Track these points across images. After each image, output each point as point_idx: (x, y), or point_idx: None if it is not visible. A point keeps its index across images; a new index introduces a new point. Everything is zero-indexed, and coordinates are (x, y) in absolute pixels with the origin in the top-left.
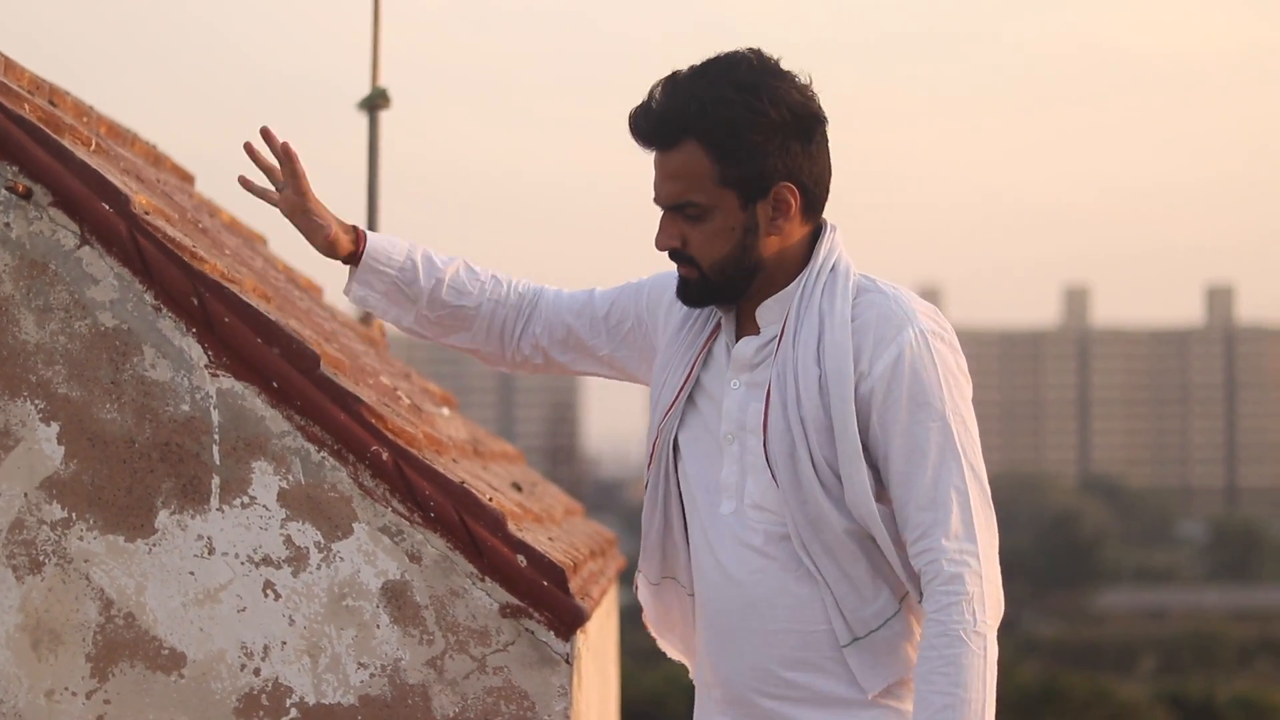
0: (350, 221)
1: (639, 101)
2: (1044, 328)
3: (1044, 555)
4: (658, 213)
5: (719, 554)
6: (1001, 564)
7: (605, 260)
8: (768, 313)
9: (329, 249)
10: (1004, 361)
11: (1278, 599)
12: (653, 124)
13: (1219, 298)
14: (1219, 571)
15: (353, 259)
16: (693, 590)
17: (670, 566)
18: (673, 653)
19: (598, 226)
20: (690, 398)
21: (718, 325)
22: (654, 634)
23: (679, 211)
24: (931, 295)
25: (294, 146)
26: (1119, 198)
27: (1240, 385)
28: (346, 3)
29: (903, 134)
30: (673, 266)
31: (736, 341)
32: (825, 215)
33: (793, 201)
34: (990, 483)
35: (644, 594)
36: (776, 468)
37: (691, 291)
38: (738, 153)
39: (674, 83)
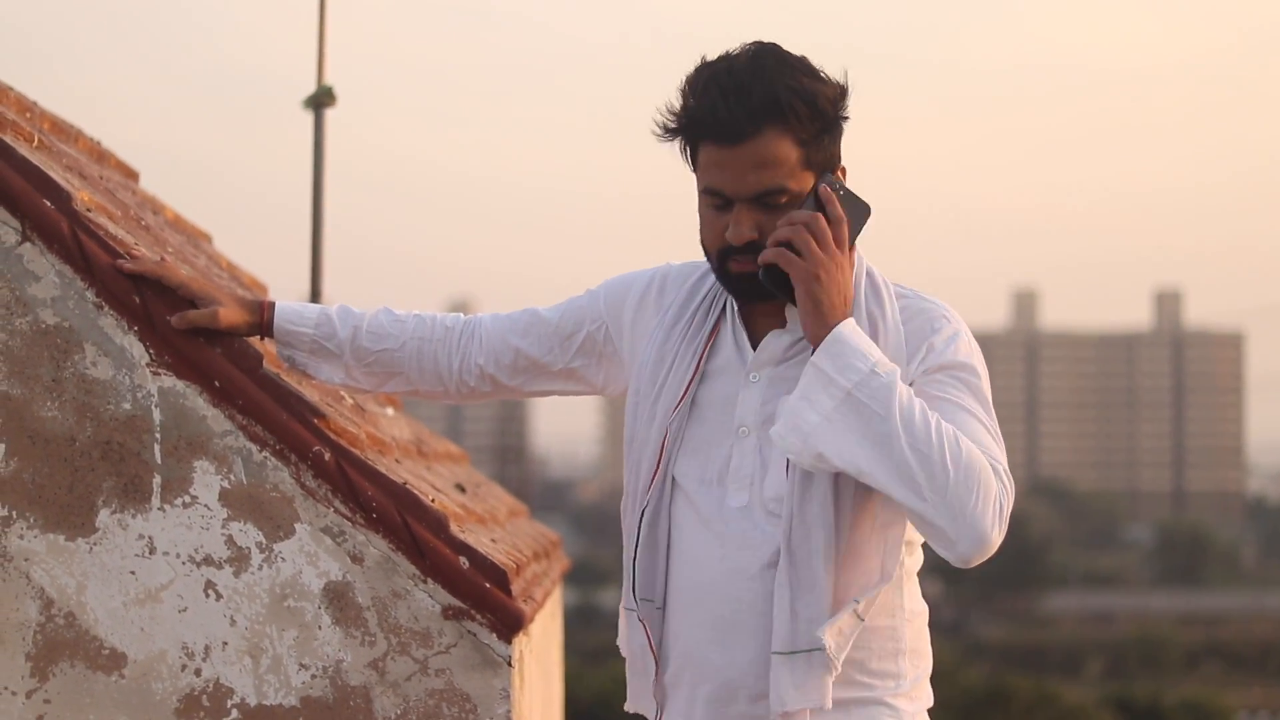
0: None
1: (692, 98)
2: (993, 330)
3: (991, 559)
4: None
5: (728, 547)
6: (949, 568)
7: (552, 258)
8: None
9: (227, 327)
10: None
11: (1224, 603)
12: (738, 115)
13: (1167, 302)
14: (1166, 575)
15: (263, 329)
16: (649, 595)
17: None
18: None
19: (546, 225)
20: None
21: (717, 321)
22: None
23: (758, 202)
24: None
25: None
26: (1069, 203)
27: (1188, 389)
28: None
29: (857, 142)
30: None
31: (747, 334)
32: None
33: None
34: None
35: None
36: (794, 462)
37: (760, 285)
38: (820, 135)
39: (740, 75)
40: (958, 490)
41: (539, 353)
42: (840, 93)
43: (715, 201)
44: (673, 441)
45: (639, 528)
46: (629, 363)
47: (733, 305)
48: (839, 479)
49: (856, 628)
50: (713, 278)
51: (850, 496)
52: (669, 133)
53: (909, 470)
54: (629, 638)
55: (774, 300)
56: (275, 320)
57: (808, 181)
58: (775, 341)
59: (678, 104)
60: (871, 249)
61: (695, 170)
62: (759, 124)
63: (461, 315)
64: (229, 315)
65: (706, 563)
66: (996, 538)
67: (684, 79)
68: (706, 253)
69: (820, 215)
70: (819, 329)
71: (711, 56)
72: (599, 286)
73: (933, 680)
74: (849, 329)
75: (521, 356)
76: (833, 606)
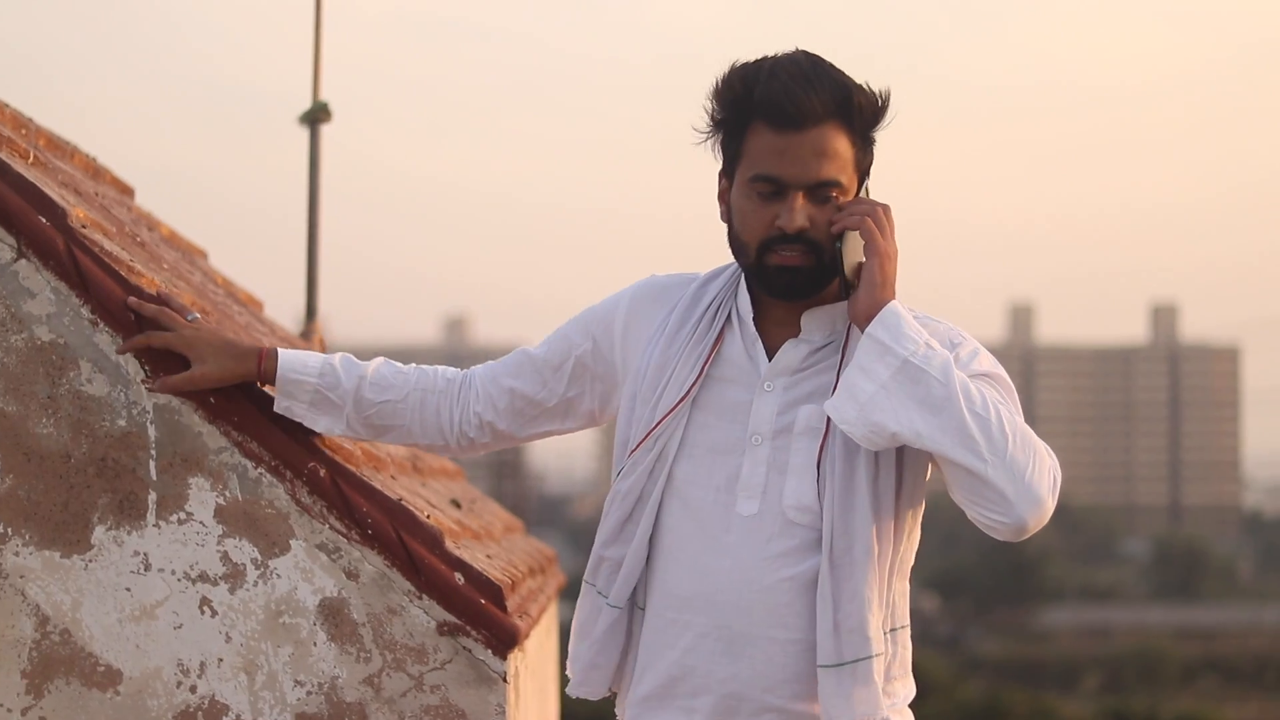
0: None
1: (751, 85)
2: (989, 345)
3: (988, 573)
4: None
5: (736, 557)
6: (946, 582)
7: (549, 274)
8: (815, 320)
9: (209, 386)
10: None
11: (1221, 617)
12: (811, 100)
13: (1163, 316)
14: (1163, 589)
15: (260, 377)
16: (615, 601)
17: (611, 579)
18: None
19: (542, 240)
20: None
21: (722, 329)
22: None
23: (813, 192)
24: None
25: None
26: (1065, 217)
27: (1184, 403)
28: (290, 14)
29: None
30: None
31: (761, 343)
32: None
33: None
34: (934, 500)
35: (604, 621)
36: (830, 471)
37: (800, 279)
38: (868, 142)
39: (805, 67)
40: (1015, 454)
41: (533, 389)
42: (884, 108)
43: (766, 189)
44: (670, 444)
45: (622, 527)
46: (622, 372)
47: (740, 314)
48: (879, 487)
49: (893, 639)
50: (716, 286)
51: (891, 506)
52: (716, 123)
53: (969, 432)
54: (608, 633)
55: (800, 300)
56: (278, 369)
57: (854, 184)
58: (792, 351)
59: (725, 94)
60: None
61: (740, 161)
62: (828, 112)
63: (458, 370)
64: (211, 373)
65: (709, 572)
66: (1051, 505)
67: (725, 75)
68: (742, 245)
69: (889, 206)
70: (875, 304)
71: (741, 62)
72: (580, 315)
73: (929, 695)
74: (901, 307)
75: (517, 396)
76: (872, 616)
